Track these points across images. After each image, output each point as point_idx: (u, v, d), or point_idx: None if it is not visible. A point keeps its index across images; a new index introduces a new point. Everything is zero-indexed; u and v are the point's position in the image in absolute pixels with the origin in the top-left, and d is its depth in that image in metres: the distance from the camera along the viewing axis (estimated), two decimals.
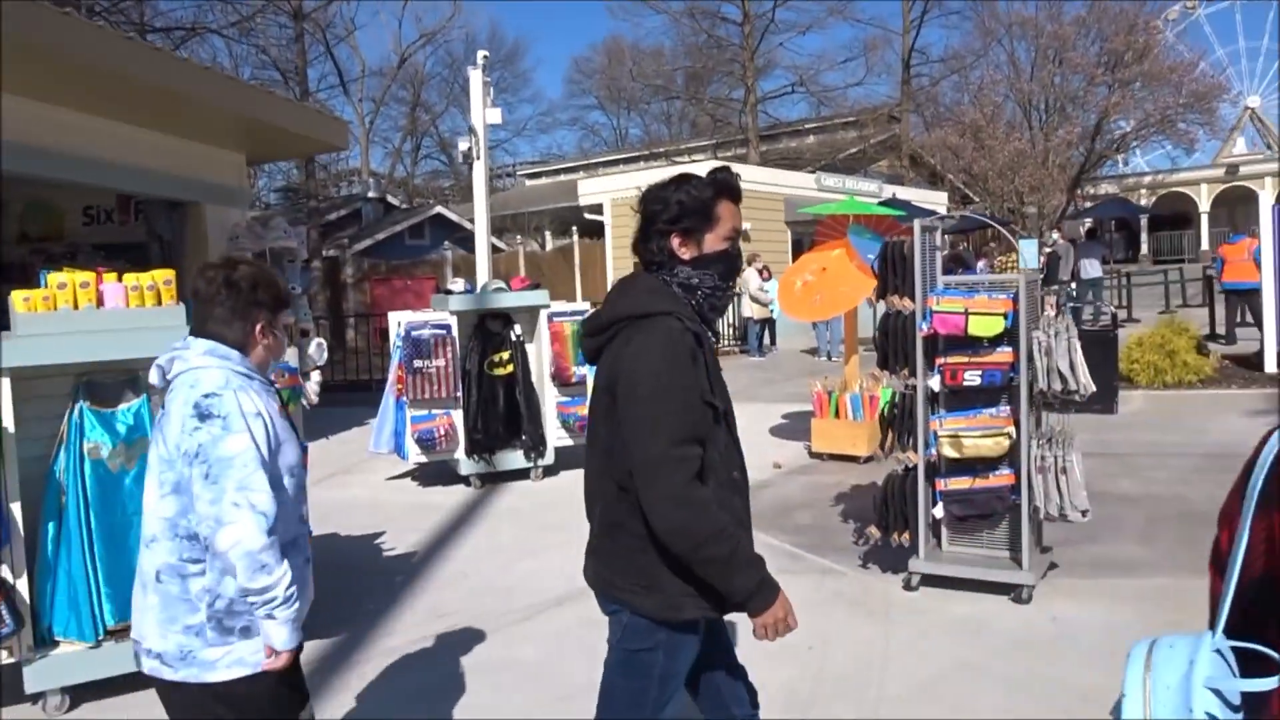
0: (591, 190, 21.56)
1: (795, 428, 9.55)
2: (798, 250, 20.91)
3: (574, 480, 8.08)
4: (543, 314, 7.78)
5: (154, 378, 2.32)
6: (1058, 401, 4.72)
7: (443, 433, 7.35)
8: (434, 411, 7.39)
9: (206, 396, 2.16)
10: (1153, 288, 22.40)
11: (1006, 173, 29.53)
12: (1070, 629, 4.38)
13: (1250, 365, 11.17)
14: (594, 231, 22.21)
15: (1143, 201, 36.42)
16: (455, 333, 7.47)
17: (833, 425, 8.04)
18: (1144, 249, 37.56)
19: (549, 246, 28.59)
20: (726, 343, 17.78)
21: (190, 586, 2.21)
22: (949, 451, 4.74)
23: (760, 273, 16.50)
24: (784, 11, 35.52)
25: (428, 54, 41.83)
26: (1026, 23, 31.94)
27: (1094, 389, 4.61)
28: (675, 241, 2.27)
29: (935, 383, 4.81)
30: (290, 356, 5.80)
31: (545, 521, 6.66)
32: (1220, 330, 14.84)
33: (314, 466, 8.80)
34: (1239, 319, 13.93)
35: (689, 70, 39.15)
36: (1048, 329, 4.58)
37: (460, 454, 7.59)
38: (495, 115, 13.01)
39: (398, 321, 7.45)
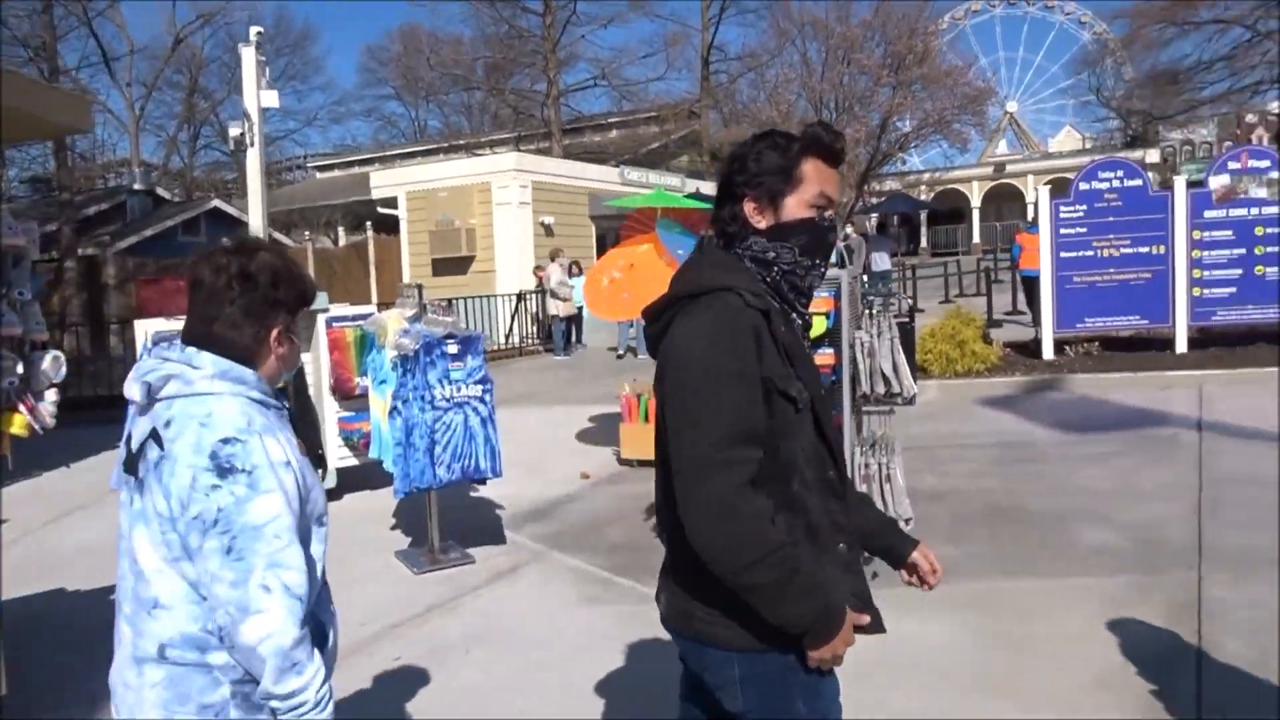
0: (385, 182, 20.38)
1: (603, 432, 9.10)
2: (602, 245, 20.59)
3: (359, 505, 7.36)
4: (319, 319, 6.94)
5: (134, 393, 1.82)
6: (876, 404, 4.47)
7: None
8: None
9: (226, 443, 1.72)
10: (933, 279, 23.53)
11: None
12: (902, 649, 4.08)
13: (1028, 352, 11.69)
14: (390, 226, 21.03)
15: (922, 198, 38.61)
16: None
17: (643, 430, 7.63)
18: (924, 242, 39.81)
19: (342, 243, 27.07)
20: (530, 341, 17.22)
21: (212, 659, 1.77)
22: None
23: (570, 268, 16.02)
24: (585, 4, 35.34)
25: (206, 36, 39.02)
26: (818, 23, 33.03)
27: (916, 390, 4.38)
28: (749, 207, 1.91)
29: None
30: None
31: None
32: (998, 316, 15.74)
33: (46, 503, 7.66)
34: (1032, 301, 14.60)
35: (490, 61, 38.21)
36: (870, 328, 4.30)
37: None
38: (272, 98, 11.78)
39: (145, 331, 6.43)
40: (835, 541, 1.92)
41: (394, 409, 5.18)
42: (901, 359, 4.28)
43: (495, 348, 16.42)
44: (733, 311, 1.80)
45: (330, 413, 7.01)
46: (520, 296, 17.31)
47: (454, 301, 5.74)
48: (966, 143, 36.90)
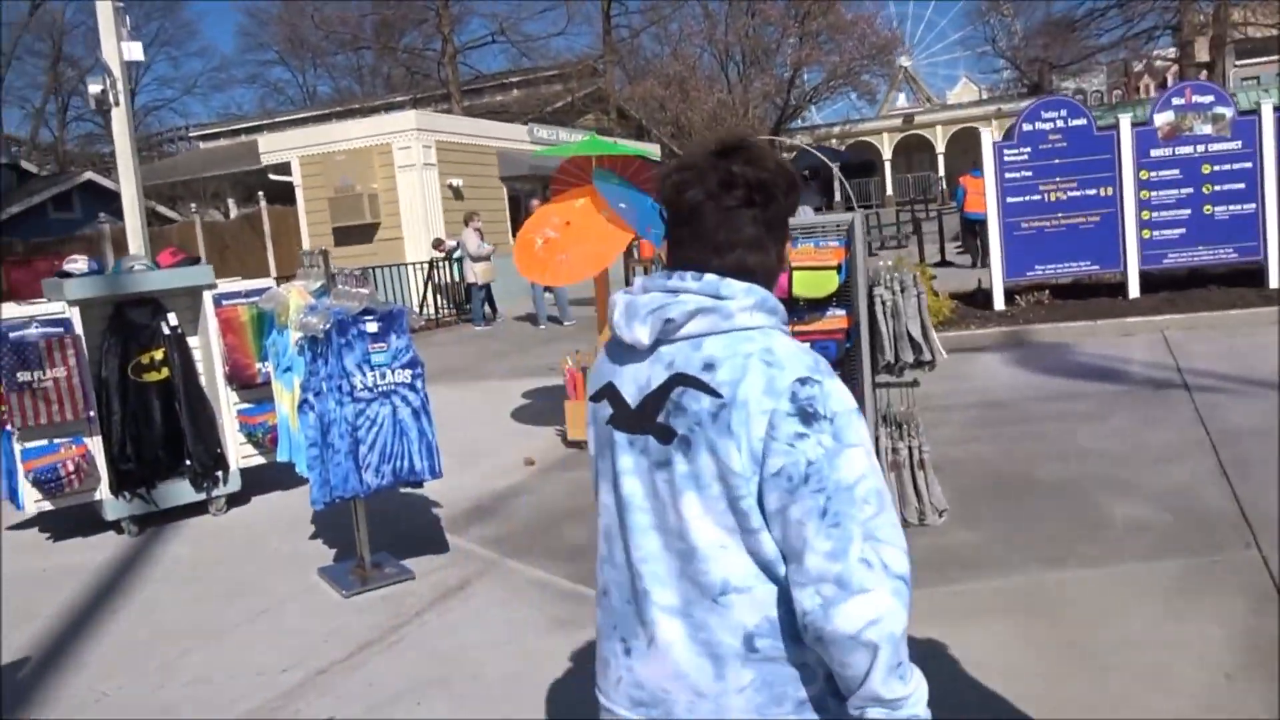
0: (275, 147, 18.82)
1: (541, 410, 8.23)
2: (514, 208, 19.51)
3: (270, 511, 6.31)
4: (207, 297, 5.87)
5: (642, 335, 1.46)
6: (894, 375, 3.73)
7: (72, 468, 5.33)
8: (56, 441, 5.35)
9: (804, 383, 1.38)
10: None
11: (712, 124, 29.68)
12: (961, 669, 3.39)
13: (977, 303, 11.22)
14: (284, 196, 19.48)
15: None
16: (79, 329, 5.44)
17: None
18: (837, 196, 39.59)
19: (233, 215, 25.33)
20: (445, 312, 16.15)
21: (804, 650, 1.41)
22: None
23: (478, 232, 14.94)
24: None
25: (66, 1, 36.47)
26: None
27: (945, 355, 3.65)
28: None
29: None
30: None
31: (232, 578, 4.90)
32: (930, 268, 15.41)
33: None
34: (976, 242, 15.31)
35: (379, 18, 36.24)
36: (891, 284, 3.54)
37: (104, 491, 5.59)
38: (136, 50, 10.50)
39: None
40: None
41: (304, 402, 4.24)
42: (929, 318, 3.55)
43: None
44: None
45: (228, 405, 5.98)
46: (432, 264, 16.18)
47: (368, 270, 4.80)
48: (875, 94, 36.82)
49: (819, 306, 3.59)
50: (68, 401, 5.33)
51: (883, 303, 3.49)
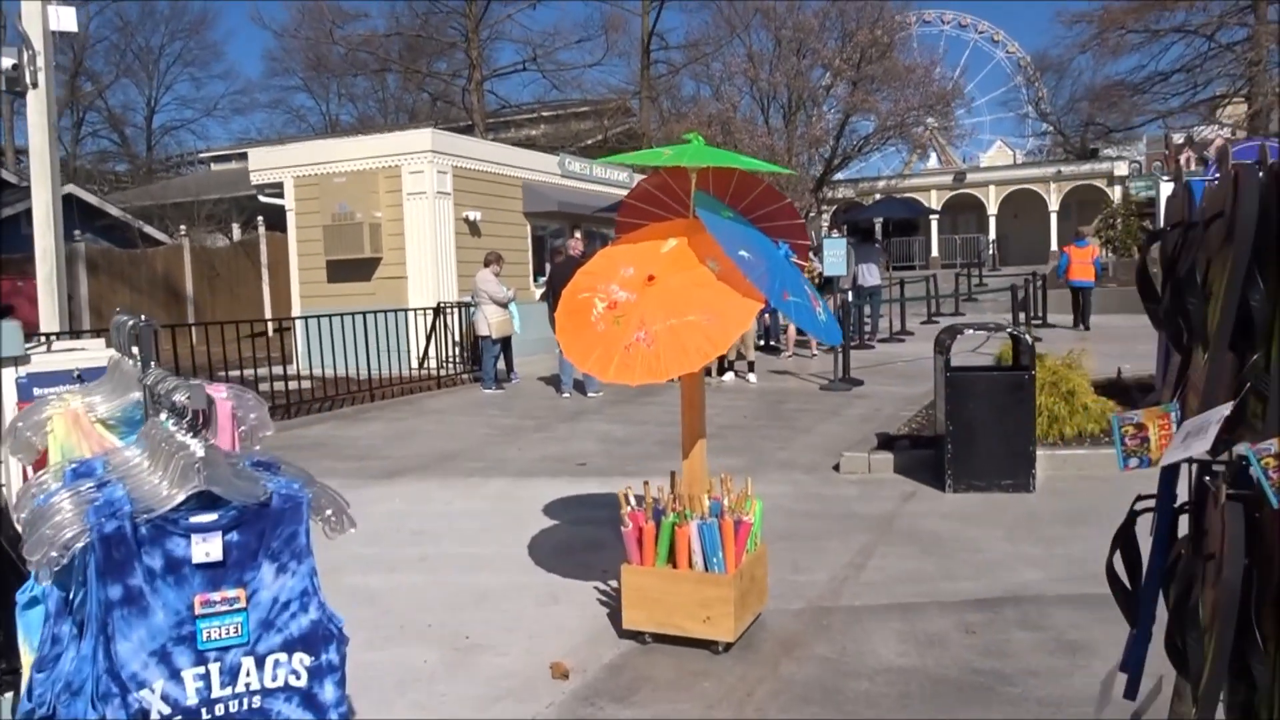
0: (267, 164, 16.30)
1: (571, 544, 5.55)
2: (539, 249, 16.98)
3: None
4: (7, 377, 3.27)
5: None
6: None
7: None
8: None
9: None
10: (911, 299, 20.34)
11: None
12: None
13: (1128, 398, 8.65)
14: (285, 221, 16.96)
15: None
16: None
17: (664, 580, 4.12)
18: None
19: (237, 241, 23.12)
20: (451, 367, 13.55)
21: None
22: None
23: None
24: None
25: (91, 13, 35.01)
26: (769, 12, 29.92)
27: None
28: None
29: None
30: None
31: None
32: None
33: None
34: (1080, 308, 16.75)
35: (405, 41, 34.26)
36: None
37: None
38: (67, 18, 8.04)
39: None
40: None
41: (30, 714, 1.62)
42: None
43: (407, 377, 12.70)
44: None
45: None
46: (438, 310, 13.64)
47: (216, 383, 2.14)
48: (925, 147, 34.46)
49: None
50: None
51: None
